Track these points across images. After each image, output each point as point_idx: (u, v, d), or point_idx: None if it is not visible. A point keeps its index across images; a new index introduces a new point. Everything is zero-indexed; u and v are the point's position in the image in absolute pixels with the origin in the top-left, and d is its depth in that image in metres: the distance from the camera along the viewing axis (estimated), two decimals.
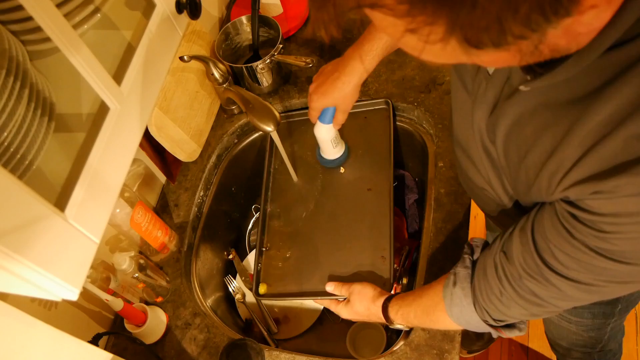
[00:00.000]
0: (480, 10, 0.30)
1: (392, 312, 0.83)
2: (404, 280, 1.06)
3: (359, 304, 0.90)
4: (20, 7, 0.51)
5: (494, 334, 0.71)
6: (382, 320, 0.85)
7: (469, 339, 1.64)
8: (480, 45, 0.33)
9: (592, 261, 0.51)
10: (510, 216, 0.70)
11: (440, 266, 0.94)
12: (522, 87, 0.49)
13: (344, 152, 1.11)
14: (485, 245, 0.71)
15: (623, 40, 0.39)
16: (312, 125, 1.21)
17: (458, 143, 0.72)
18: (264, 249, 1.09)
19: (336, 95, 0.94)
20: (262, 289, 1.04)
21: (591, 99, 0.44)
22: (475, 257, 0.71)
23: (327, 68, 0.97)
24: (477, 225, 1.84)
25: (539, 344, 1.67)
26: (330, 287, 0.97)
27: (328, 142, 1.05)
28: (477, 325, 0.70)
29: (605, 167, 0.44)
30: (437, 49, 0.34)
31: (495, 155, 0.62)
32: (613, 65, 0.41)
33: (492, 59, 0.37)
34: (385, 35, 0.38)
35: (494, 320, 0.68)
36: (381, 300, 0.85)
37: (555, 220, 0.52)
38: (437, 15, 0.31)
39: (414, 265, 1.03)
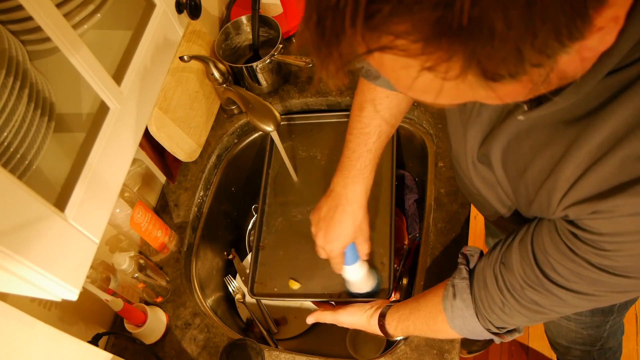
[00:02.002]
0: (499, 40, 0.29)
1: (391, 329, 0.82)
2: (404, 281, 1.06)
3: (352, 325, 0.89)
4: (20, 7, 0.51)
5: (497, 340, 0.72)
6: (380, 334, 0.85)
7: (469, 339, 1.64)
8: (497, 77, 0.32)
9: (593, 275, 0.51)
10: (509, 221, 0.70)
11: (441, 266, 0.94)
12: (520, 117, 0.50)
13: (377, 279, 0.97)
14: (481, 255, 0.71)
15: (618, 67, 0.40)
16: (315, 127, 1.21)
17: (451, 151, 0.73)
18: (260, 248, 1.09)
19: (350, 229, 0.83)
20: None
21: (588, 121, 0.45)
22: (471, 266, 0.71)
23: (322, 212, 0.85)
24: (477, 225, 1.84)
25: (539, 343, 1.67)
26: (310, 319, 0.93)
27: (363, 279, 0.92)
28: (481, 334, 0.70)
29: (604, 188, 0.45)
30: (453, 87, 0.34)
31: (486, 173, 0.63)
32: (608, 87, 0.42)
33: (506, 92, 0.36)
34: (394, 81, 0.37)
35: (497, 328, 0.68)
36: (375, 318, 0.84)
37: (555, 236, 0.53)
38: (453, 50, 0.30)
39: (414, 265, 1.03)
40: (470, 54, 0.30)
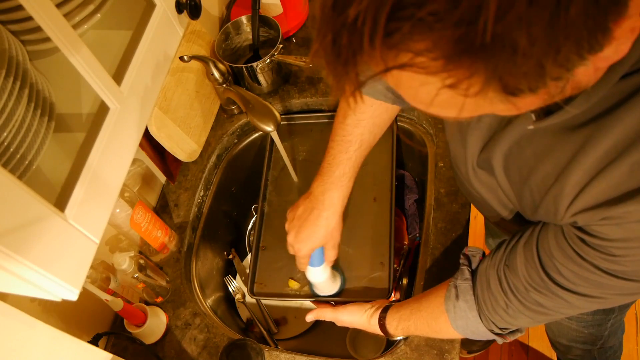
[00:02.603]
0: (522, 56, 0.28)
1: (391, 328, 0.82)
2: (404, 281, 1.06)
3: (352, 324, 0.90)
4: (20, 7, 0.51)
5: (499, 341, 0.72)
6: (381, 334, 0.85)
7: (469, 339, 1.64)
8: (517, 92, 0.31)
9: (600, 279, 0.51)
10: (511, 222, 0.70)
11: (440, 266, 0.94)
12: (529, 127, 0.49)
13: (341, 282, 0.99)
14: (483, 256, 0.71)
15: (627, 73, 0.40)
16: (315, 127, 1.21)
17: (450, 155, 0.73)
18: (260, 248, 1.09)
19: (322, 233, 0.84)
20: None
21: (594, 127, 0.45)
22: (473, 267, 0.71)
23: (298, 211, 0.86)
24: (477, 225, 1.84)
25: (540, 343, 1.67)
26: (310, 317, 0.94)
27: (325, 282, 0.94)
28: (484, 334, 0.71)
29: (614, 195, 0.45)
30: (472, 103, 0.33)
31: (486, 178, 0.63)
32: (614, 94, 0.42)
33: (524, 104, 0.35)
34: (412, 98, 0.36)
35: (500, 329, 0.69)
36: (376, 317, 0.84)
37: (561, 240, 0.53)
38: (474, 67, 0.29)
39: (414, 265, 1.03)
40: (492, 71, 0.30)
